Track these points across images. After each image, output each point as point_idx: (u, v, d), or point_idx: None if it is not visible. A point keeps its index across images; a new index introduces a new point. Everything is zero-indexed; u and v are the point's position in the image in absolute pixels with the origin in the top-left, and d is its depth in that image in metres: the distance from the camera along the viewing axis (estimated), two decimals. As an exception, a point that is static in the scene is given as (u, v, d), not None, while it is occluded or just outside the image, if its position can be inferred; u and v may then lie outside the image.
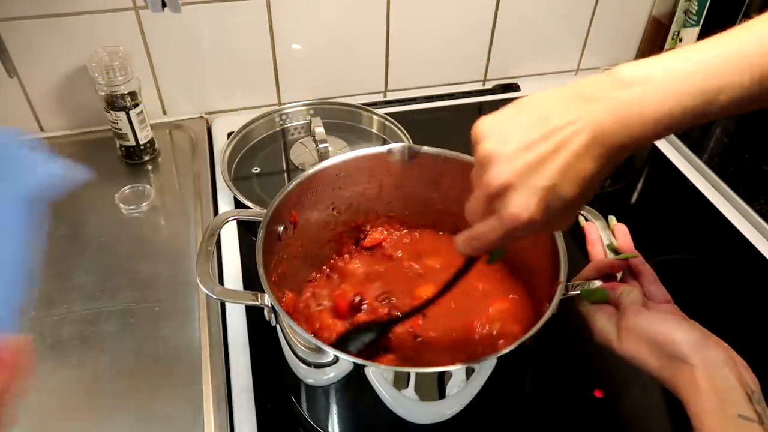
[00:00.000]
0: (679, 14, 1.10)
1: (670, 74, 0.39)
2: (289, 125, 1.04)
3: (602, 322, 0.52)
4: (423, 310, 0.58)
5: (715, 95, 0.38)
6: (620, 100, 0.39)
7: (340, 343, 0.59)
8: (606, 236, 0.61)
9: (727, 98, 0.38)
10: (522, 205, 0.40)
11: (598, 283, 0.55)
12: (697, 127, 1.08)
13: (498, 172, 0.40)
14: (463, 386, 0.52)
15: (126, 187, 0.91)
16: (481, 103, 1.13)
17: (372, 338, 0.59)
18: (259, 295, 0.56)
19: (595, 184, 0.41)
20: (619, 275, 0.57)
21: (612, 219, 0.63)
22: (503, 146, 0.40)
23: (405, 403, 0.53)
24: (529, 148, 0.40)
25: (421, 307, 0.58)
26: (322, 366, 0.53)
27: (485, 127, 0.42)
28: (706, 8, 1.06)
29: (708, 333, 0.48)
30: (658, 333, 0.48)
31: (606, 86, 0.40)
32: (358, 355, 0.57)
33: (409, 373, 0.51)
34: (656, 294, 0.54)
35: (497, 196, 0.41)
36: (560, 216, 0.42)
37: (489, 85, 1.18)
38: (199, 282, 0.56)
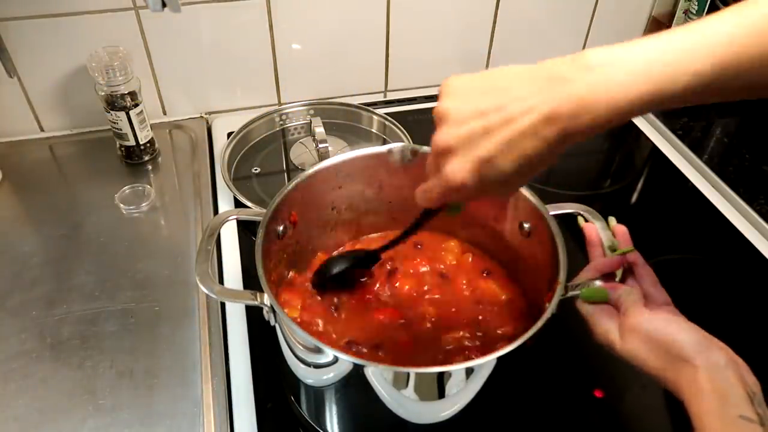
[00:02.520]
0: (679, 14, 1.10)
1: (632, 61, 0.39)
2: (289, 125, 1.04)
3: (604, 322, 0.52)
4: (388, 249, 0.64)
5: (671, 84, 0.39)
6: (584, 83, 0.39)
7: (321, 272, 0.67)
8: (606, 237, 0.61)
9: (681, 87, 0.39)
10: (456, 169, 0.42)
11: (598, 283, 0.55)
12: (697, 127, 1.08)
13: (445, 133, 0.42)
14: (463, 386, 0.52)
15: (126, 187, 0.91)
16: (481, 103, 1.13)
17: (346, 265, 0.67)
18: (258, 294, 0.56)
19: (535, 164, 0.42)
20: (618, 274, 0.57)
21: (612, 220, 0.63)
22: (457, 110, 0.42)
23: (405, 403, 0.53)
24: (479, 117, 0.41)
25: (387, 246, 0.63)
26: (321, 366, 0.53)
27: (451, 85, 0.44)
28: (706, 8, 1.06)
29: (710, 336, 0.48)
30: (661, 334, 0.48)
31: (572, 69, 0.40)
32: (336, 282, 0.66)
33: (408, 373, 0.51)
34: (656, 296, 0.54)
35: (440, 155, 0.43)
36: (496, 187, 0.43)
37: (489, 85, 1.18)
38: (198, 282, 0.56)
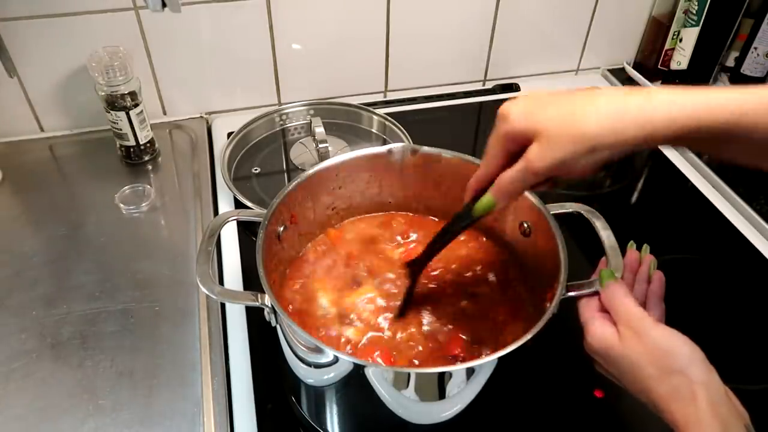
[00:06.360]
0: (679, 14, 1.10)
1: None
2: (289, 125, 1.04)
3: (600, 326, 0.51)
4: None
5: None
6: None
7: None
8: (606, 236, 0.60)
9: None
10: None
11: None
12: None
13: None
14: (464, 386, 0.52)
15: (126, 187, 0.91)
16: (481, 103, 1.13)
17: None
18: (259, 295, 0.56)
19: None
20: (618, 273, 0.57)
21: (645, 248, 0.63)
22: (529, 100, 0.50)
23: (405, 404, 0.53)
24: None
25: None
26: (322, 366, 0.53)
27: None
28: (706, 8, 1.06)
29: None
30: (665, 342, 0.47)
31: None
32: None
33: (409, 374, 0.51)
34: (655, 309, 0.54)
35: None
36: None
37: (489, 85, 1.18)
38: (199, 282, 0.56)
